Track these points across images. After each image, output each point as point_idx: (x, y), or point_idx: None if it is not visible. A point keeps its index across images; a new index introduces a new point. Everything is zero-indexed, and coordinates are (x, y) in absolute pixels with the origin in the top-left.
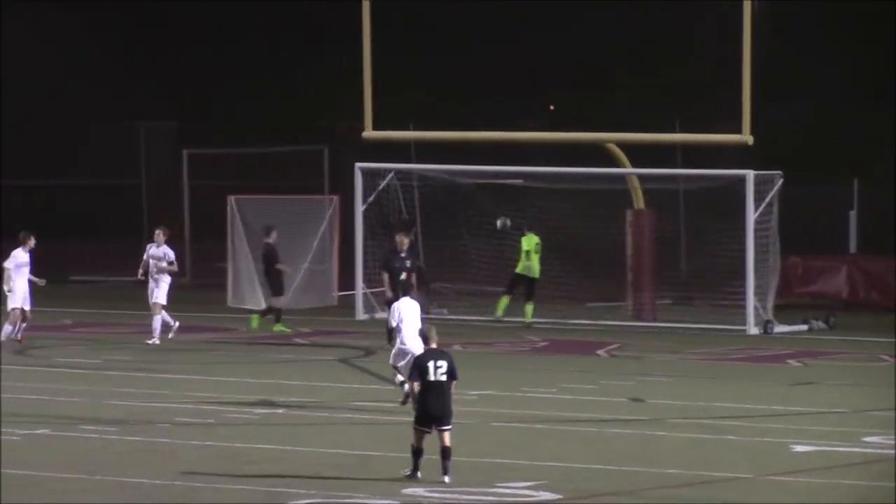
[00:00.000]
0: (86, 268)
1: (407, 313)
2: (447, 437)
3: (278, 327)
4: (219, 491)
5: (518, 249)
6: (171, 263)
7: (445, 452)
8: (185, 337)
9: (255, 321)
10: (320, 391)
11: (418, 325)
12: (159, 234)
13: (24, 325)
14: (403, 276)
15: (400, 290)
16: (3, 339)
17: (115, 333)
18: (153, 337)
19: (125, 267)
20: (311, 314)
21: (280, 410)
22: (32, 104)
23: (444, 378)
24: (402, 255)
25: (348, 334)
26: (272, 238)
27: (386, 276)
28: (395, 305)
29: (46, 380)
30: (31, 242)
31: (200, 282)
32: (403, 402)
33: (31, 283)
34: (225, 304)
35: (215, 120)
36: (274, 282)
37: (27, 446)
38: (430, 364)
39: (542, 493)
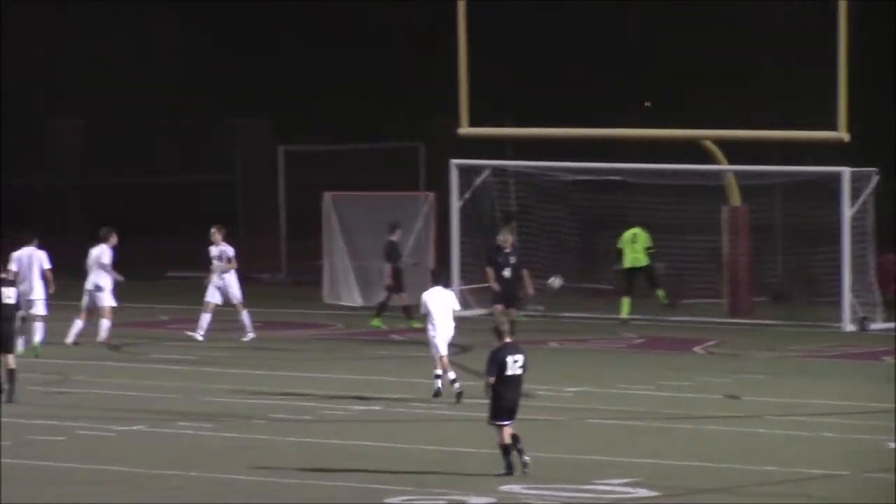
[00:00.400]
0: (182, 264)
1: (437, 302)
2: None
3: (375, 322)
4: (314, 487)
5: (628, 244)
6: (229, 261)
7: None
8: (281, 333)
9: (413, 323)
10: (417, 387)
11: (450, 314)
12: (215, 233)
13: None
14: (507, 272)
15: (505, 286)
16: (103, 336)
17: (211, 329)
18: (248, 333)
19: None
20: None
21: (377, 407)
22: (128, 103)
23: (520, 372)
24: (507, 251)
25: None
26: (396, 235)
27: (490, 272)
28: (424, 295)
29: (142, 376)
30: (114, 239)
31: (296, 279)
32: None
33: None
34: (321, 301)
35: (311, 117)
36: (395, 279)
37: (123, 443)
38: (509, 358)
39: (638, 489)
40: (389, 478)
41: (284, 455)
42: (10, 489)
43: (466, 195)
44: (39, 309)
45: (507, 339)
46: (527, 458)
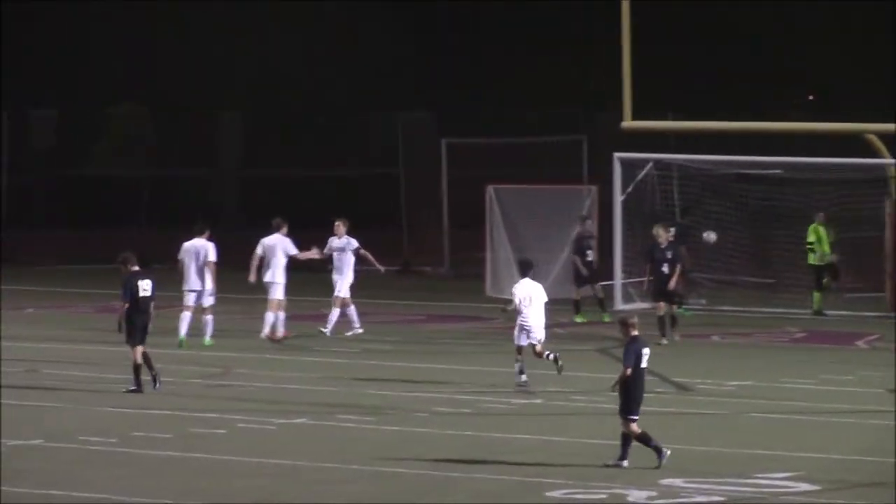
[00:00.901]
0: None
1: (525, 294)
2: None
3: (580, 317)
4: (475, 481)
5: (816, 239)
6: (357, 250)
7: (630, 440)
8: (443, 326)
9: (605, 316)
10: (578, 381)
11: (540, 305)
12: (339, 226)
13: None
14: (665, 267)
15: (661, 282)
16: (271, 331)
17: (374, 322)
18: (355, 327)
19: (383, 256)
20: (570, 304)
21: (537, 400)
22: (289, 97)
23: (646, 366)
24: (663, 246)
25: (607, 324)
26: (586, 227)
27: (647, 267)
28: (515, 287)
29: (304, 369)
30: (285, 228)
31: (458, 271)
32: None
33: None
34: (483, 294)
35: (474, 110)
36: (577, 271)
37: (284, 436)
38: (644, 351)
39: (800, 483)
40: (550, 471)
41: (445, 448)
42: (171, 481)
43: (629, 188)
44: (205, 301)
45: (635, 333)
46: (625, 463)
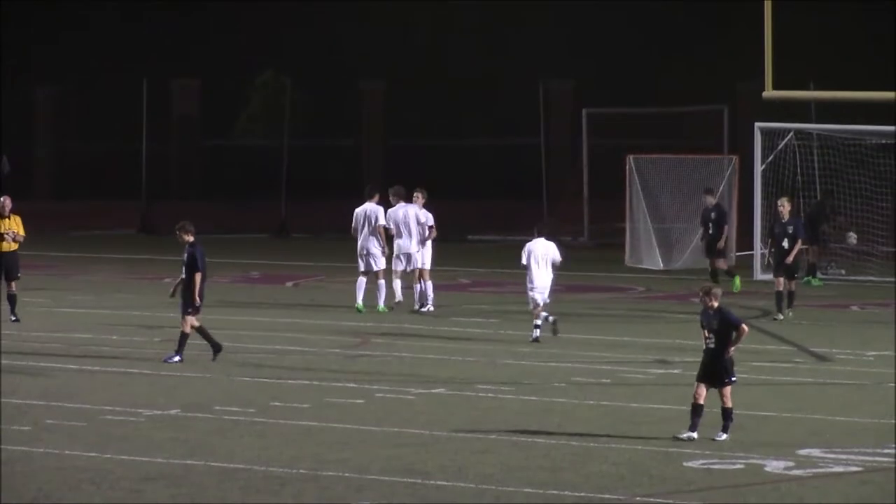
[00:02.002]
0: (484, 226)
1: (538, 252)
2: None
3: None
4: (613, 451)
5: None
6: (431, 228)
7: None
8: (582, 296)
9: (735, 283)
10: None
11: (549, 265)
12: (419, 197)
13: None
14: (785, 242)
15: (782, 257)
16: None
17: (513, 292)
18: (429, 304)
19: (523, 227)
20: (708, 275)
21: (676, 370)
22: (429, 66)
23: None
24: (784, 220)
25: (747, 295)
26: (708, 201)
27: (769, 241)
28: (527, 245)
29: (443, 339)
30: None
31: (598, 241)
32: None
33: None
34: (622, 264)
35: (614, 79)
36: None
37: (422, 406)
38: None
39: None
40: (688, 441)
41: (584, 418)
42: (308, 450)
43: (769, 158)
44: (375, 264)
45: (716, 304)
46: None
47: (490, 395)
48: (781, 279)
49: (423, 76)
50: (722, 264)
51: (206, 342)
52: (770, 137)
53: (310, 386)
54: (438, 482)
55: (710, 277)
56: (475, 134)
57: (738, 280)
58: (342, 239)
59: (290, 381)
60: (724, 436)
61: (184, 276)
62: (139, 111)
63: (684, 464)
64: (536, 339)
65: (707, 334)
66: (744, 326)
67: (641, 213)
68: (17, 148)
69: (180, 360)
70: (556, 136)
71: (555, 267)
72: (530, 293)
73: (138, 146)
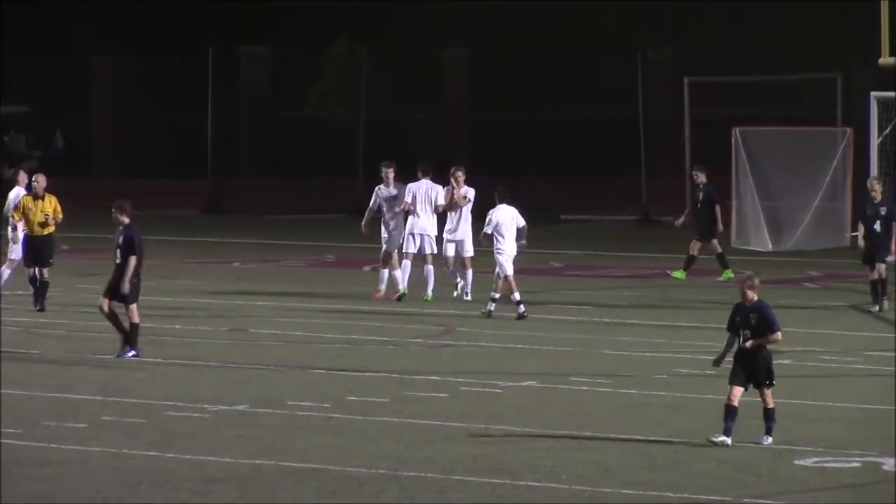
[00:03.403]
0: (578, 206)
1: (503, 220)
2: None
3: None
4: (720, 448)
5: None
6: (465, 198)
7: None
8: (683, 282)
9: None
10: (828, 339)
11: (513, 232)
12: (460, 176)
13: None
14: (877, 225)
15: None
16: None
17: (611, 277)
18: (467, 292)
19: (622, 205)
20: (821, 256)
21: (785, 361)
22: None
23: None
24: (877, 201)
25: (863, 278)
26: (701, 176)
27: (860, 225)
28: (490, 213)
29: (534, 328)
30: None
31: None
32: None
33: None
34: (728, 245)
35: (718, 45)
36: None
37: (511, 400)
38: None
39: None
40: (799, 437)
41: (687, 413)
42: (388, 448)
43: (886, 131)
44: (430, 247)
45: (755, 296)
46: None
47: (585, 388)
48: (882, 266)
49: (510, 44)
50: (697, 249)
51: (118, 333)
52: (887, 108)
53: (389, 379)
54: (529, 483)
55: (685, 263)
56: (566, 106)
57: (729, 272)
58: None
59: (367, 374)
60: (770, 439)
61: (118, 260)
62: (204, 82)
63: (795, 462)
64: (489, 314)
65: (742, 330)
66: (780, 333)
67: (749, 190)
68: (74, 123)
69: (136, 355)
70: (655, 106)
71: (521, 234)
72: (498, 256)
73: (203, 120)
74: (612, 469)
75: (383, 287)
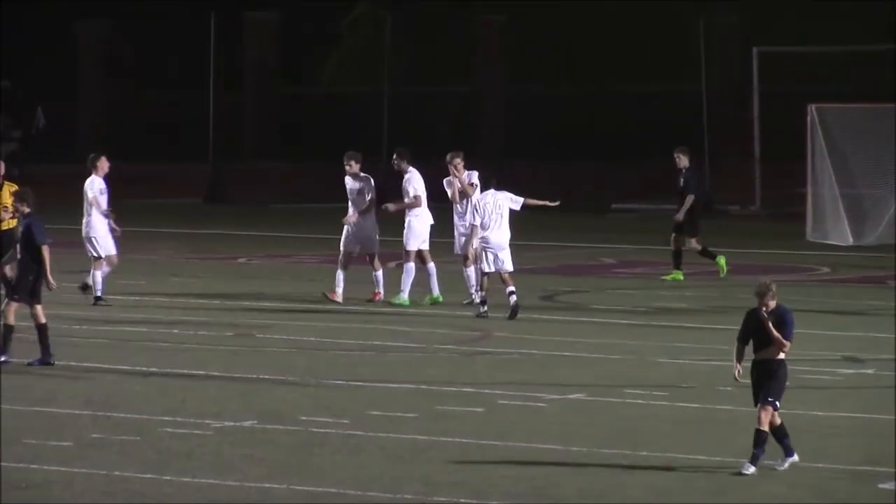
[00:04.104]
0: (631, 193)
1: (491, 206)
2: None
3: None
4: (792, 470)
5: None
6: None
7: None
8: (753, 278)
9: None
10: None
11: (506, 219)
12: (459, 163)
13: None
14: None
15: None
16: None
17: (629, 274)
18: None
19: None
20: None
21: (869, 371)
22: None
23: None
24: None
25: None
26: (684, 159)
27: None
28: (479, 198)
29: (581, 333)
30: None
31: (773, 210)
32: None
33: None
34: (803, 239)
35: (791, 12)
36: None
37: (556, 415)
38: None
39: None
40: (881, 457)
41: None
42: (416, 470)
43: None
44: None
45: (773, 303)
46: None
47: (640, 401)
48: None
49: (551, 9)
50: (695, 244)
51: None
52: None
53: (417, 391)
54: None
55: (671, 258)
56: (616, 80)
57: (722, 260)
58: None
59: (392, 385)
60: (794, 457)
61: (19, 254)
62: (205, 53)
63: (878, 485)
64: (484, 314)
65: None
66: (789, 345)
67: (826, 177)
68: (57, 98)
69: (5, 361)
70: (720, 81)
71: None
72: (484, 251)
73: (204, 95)
74: (670, 494)
75: (340, 290)
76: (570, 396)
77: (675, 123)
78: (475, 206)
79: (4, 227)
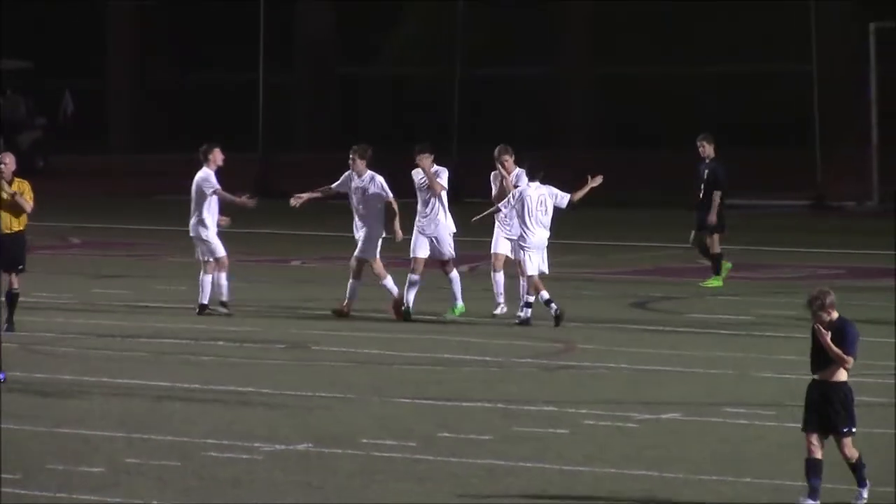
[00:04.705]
0: (736, 187)
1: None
2: None
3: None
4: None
5: None
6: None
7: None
8: (871, 283)
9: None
10: None
11: (548, 218)
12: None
13: None
14: None
15: None
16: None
17: (771, 279)
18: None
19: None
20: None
21: None
22: None
23: None
24: None
25: None
26: (708, 149)
27: None
28: (516, 193)
29: (676, 344)
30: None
31: (893, 206)
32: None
33: None
34: None
35: None
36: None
37: (649, 437)
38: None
39: None
40: None
41: (874, 453)
42: (482, 499)
43: None
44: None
45: (835, 314)
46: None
47: (743, 421)
48: None
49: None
50: (716, 244)
51: None
52: None
53: (493, 410)
54: None
55: (704, 257)
56: (718, 60)
57: (726, 266)
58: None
59: (464, 404)
60: (865, 493)
61: None
62: (254, 31)
63: None
64: (526, 321)
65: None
66: (852, 361)
67: None
68: (87, 82)
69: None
70: (833, 60)
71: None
72: (522, 254)
73: (252, 78)
74: None
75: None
76: (664, 416)
77: (783, 109)
78: (509, 200)
79: (15, 229)
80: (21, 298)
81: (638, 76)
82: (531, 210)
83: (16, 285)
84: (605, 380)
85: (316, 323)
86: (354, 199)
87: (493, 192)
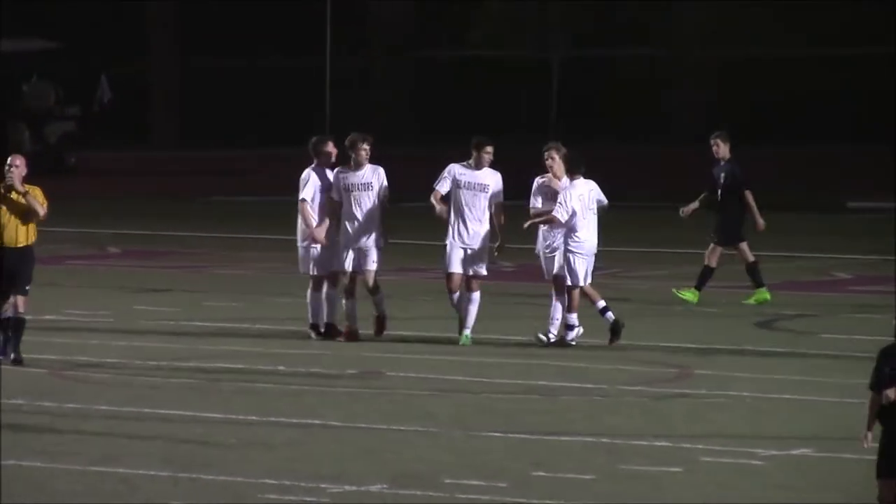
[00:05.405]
0: (871, 188)
1: (579, 202)
2: None
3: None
4: None
5: None
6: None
7: None
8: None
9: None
10: None
11: (594, 219)
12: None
13: None
14: None
15: None
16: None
17: (869, 292)
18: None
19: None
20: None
21: None
22: None
23: None
24: None
25: None
26: (724, 148)
27: None
28: (564, 192)
29: (808, 370)
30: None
31: None
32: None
33: None
34: None
35: None
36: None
37: (776, 475)
38: None
39: None
40: None
41: None
42: None
43: None
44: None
45: None
46: None
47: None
48: None
49: None
50: (747, 254)
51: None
52: None
53: (596, 445)
54: None
55: (698, 279)
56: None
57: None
58: (649, 203)
59: (562, 438)
60: None
61: None
62: (320, 14)
63: None
64: (571, 341)
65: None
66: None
67: None
68: (126, 65)
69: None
70: None
71: (603, 210)
72: (576, 261)
73: (318, 64)
74: None
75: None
76: (793, 452)
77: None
78: (565, 200)
79: (22, 244)
80: (51, 317)
81: (760, 59)
82: (583, 209)
83: (21, 309)
84: (726, 410)
85: (390, 345)
86: (350, 200)
87: (536, 205)
